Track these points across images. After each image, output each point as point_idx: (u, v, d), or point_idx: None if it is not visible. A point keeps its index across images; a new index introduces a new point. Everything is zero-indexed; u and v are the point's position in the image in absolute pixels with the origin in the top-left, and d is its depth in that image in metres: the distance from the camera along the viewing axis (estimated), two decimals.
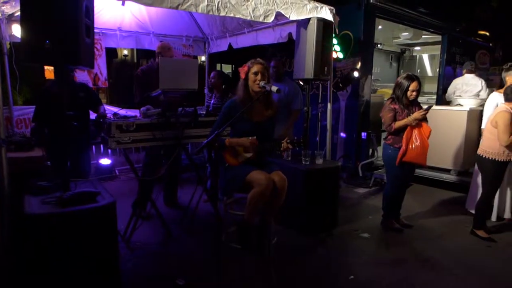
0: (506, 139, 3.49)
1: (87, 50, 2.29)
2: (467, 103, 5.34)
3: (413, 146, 3.64)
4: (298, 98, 4.41)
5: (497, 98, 4.11)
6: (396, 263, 3.27)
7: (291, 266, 3.14)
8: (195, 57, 6.35)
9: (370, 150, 6.03)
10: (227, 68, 12.83)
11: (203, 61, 6.96)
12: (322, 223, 3.80)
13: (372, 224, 4.13)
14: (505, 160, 3.59)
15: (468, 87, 5.90)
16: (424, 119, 3.67)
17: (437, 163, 5.20)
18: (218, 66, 12.54)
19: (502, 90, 4.14)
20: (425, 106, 3.80)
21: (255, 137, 2.75)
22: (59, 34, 2.08)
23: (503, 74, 4.17)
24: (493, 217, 4.16)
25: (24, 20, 2.12)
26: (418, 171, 4.51)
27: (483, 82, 5.87)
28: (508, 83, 4.01)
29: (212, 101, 5.03)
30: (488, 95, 4.88)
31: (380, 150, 5.30)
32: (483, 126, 4.21)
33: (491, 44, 8.88)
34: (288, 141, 2.75)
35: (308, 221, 3.71)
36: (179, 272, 2.94)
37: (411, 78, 3.66)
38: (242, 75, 2.82)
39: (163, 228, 3.66)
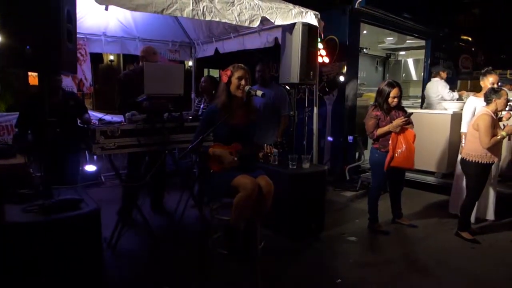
0: (487, 141, 3.54)
1: (69, 56, 2.26)
2: (451, 106, 5.43)
3: (400, 151, 3.70)
4: (286, 103, 4.42)
5: (474, 102, 4.18)
6: (383, 265, 3.29)
7: (278, 271, 3.13)
8: (182, 62, 6.33)
9: (357, 154, 6.08)
10: (214, 73, 12.81)
11: (190, 66, 6.94)
12: (309, 227, 3.80)
13: (359, 227, 4.16)
14: (488, 162, 3.65)
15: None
16: (408, 123, 3.72)
17: (422, 165, 5.27)
18: (205, 71, 12.51)
19: (479, 94, 4.22)
20: (409, 110, 3.86)
21: (235, 158, 2.73)
22: (40, 40, 2.05)
23: (481, 78, 4.24)
24: (472, 219, 4.22)
25: (3, 26, 2.09)
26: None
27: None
28: (484, 87, 4.08)
29: (202, 106, 5.03)
30: None
31: (366, 153, 5.35)
32: (462, 130, 4.27)
33: (473, 49, 9.08)
34: (271, 144, 2.75)
35: (295, 225, 3.71)
36: (165, 279, 2.91)
37: (391, 84, 3.72)
38: (224, 79, 2.82)
39: (149, 234, 3.61)
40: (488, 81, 4.07)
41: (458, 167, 4.37)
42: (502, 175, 4.67)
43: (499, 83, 4.38)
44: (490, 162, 3.66)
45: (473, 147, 3.69)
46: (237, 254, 2.73)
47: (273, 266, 3.17)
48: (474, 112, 4.07)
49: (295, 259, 3.36)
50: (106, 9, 2.92)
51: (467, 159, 3.73)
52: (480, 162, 3.65)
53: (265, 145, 2.77)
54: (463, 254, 3.54)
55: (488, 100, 3.68)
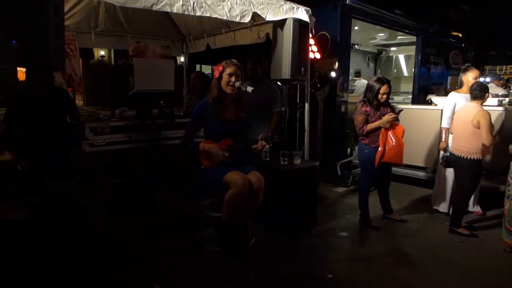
0: (490, 138, 3.51)
1: (56, 50, 2.23)
2: (441, 102, 5.46)
3: (390, 146, 3.72)
4: (278, 99, 4.41)
5: (455, 97, 4.20)
6: (374, 260, 3.31)
7: (269, 267, 3.14)
8: (173, 58, 6.29)
9: (348, 149, 6.11)
10: (206, 69, 12.74)
11: (182, 62, 6.90)
12: (301, 223, 3.81)
13: (350, 222, 4.18)
14: (482, 157, 3.69)
15: None
16: (396, 119, 3.74)
17: (413, 161, 5.31)
18: (197, 67, 12.44)
19: (460, 90, 4.23)
20: (399, 106, 3.87)
21: (227, 154, 2.72)
22: (26, 34, 2.01)
23: (461, 74, 4.26)
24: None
25: None
26: (394, 169, 4.60)
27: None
28: (466, 83, 4.10)
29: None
30: None
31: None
32: (443, 125, 4.27)
33: (463, 45, 9.15)
34: (262, 138, 2.74)
35: (286, 221, 3.72)
36: (156, 276, 2.90)
37: (381, 81, 3.72)
38: (216, 74, 2.80)
39: (140, 231, 3.59)
40: (470, 77, 4.09)
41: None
42: (487, 170, 4.71)
43: (488, 79, 4.42)
44: (484, 156, 3.70)
45: (473, 145, 3.63)
46: (229, 250, 2.73)
47: (265, 262, 3.17)
48: (454, 107, 4.09)
49: (286, 255, 3.37)
50: (96, 3, 2.88)
51: (465, 157, 3.68)
52: (479, 159, 3.65)
53: (259, 140, 2.76)
54: (453, 249, 3.58)
55: (479, 96, 3.66)
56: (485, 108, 3.70)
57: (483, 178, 4.34)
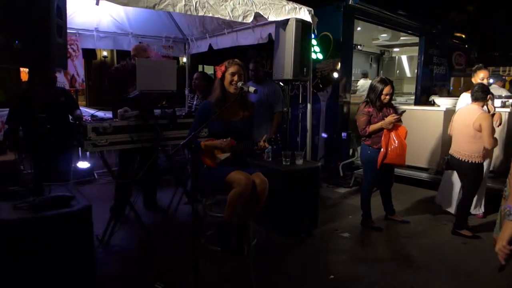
0: (492, 141, 3.49)
1: (59, 51, 2.24)
2: (444, 103, 5.45)
3: (393, 147, 3.71)
4: (280, 100, 4.40)
5: (467, 98, 4.19)
6: (376, 261, 3.31)
7: (271, 267, 3.14)
8: (176, 58, 6.29)
9: (351, 150, 6.10)
10: (209, 69, 12.76)
11: (184, 62, 6.90)
12: (302, 224, 3.80)
13: (352, 223, 4.17)
14: (483, 160, 3.66)
15: None
16: (398, 120, 3.73)
17: (415, 162, 5.30)
18: (200, 67, 12.45)
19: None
20: (402, 107, 3.85)
21: (229, 138, 2.71)
22: (29, 34, 2.02)
23: (472, 75, 4.25)
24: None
25: None
26: (397, 170, 4.59)
27: None
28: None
29: (195, 102, 4.99)
30: None
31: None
32: None
33: (466, 46, 9.12)
34: (265, 139, 2.73)
35: (288, 222, 3.72)
36: (158, 276, 2.90)
37: (384, 82, 3.71)
38: (219, 74, 2.80)
39: (142, 231, 3.60)
40: (479, 77, 4.07)
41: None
42: (493, 171, 4.70)
43: (491, 80, 4.39)
44: (485, 159, 3.67)
45: (474, 148, 3.61)
46: (230, 250, 2.72)
47: (266, 263, 3.17)
48: None
49: (288, 256, 3.37)
50: (97, 3, 2.88)
51: (466, 161, 3.66)
52: (480, 162, 3.63)
53: (261, 141, 2.75)
54: (455, 250, 3.57)
55: (481, 97, 3.64)
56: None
57: (489, 180, 4.33)
